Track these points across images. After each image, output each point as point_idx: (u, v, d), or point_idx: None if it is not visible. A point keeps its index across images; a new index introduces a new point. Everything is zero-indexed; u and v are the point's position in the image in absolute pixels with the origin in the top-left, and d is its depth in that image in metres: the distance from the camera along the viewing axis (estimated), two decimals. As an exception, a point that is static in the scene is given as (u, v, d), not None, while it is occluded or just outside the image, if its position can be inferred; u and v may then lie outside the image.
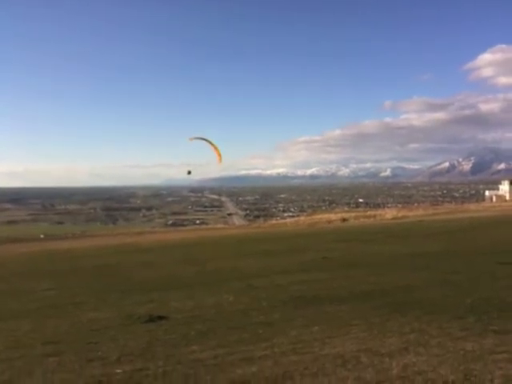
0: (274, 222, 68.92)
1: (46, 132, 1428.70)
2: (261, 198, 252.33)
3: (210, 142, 29.09)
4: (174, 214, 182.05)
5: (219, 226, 71.40)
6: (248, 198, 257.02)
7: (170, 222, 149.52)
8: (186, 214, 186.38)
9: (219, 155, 28.81)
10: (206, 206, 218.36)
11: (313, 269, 14.59)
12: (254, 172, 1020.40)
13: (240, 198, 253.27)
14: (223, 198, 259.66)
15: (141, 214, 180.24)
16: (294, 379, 5.01)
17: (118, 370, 5.68)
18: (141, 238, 40.99)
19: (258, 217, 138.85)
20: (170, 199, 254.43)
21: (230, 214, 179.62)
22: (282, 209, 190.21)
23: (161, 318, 8.48)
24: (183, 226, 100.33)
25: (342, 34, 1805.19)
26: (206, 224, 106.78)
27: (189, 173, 37.62)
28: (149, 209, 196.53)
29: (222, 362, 5.71)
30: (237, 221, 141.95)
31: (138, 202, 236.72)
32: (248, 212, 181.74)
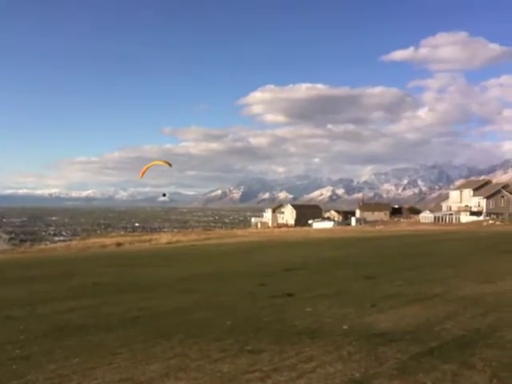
0: (42, 246, 64.08)
1: None
2: (29, 221, 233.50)
3: (159, 162, 29.30)
4: None
5: (-24, 250, 63.19)
6: (14, 219, 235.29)
7: None
8: None
9: (165, 162, 28.73)
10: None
11: (81, 295, 13.92)
12: (22, 191, 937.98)
13: (4, 220, 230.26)
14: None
15: None
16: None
17: None
18: None
19: (24, 241, 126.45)
20: None
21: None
22: (52, 232, 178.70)
23: None
24: None
25: (121, 53, 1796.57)
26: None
27: (164, 195, 37.83)
28: None
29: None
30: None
31: None
32: (13, 235, 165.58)
